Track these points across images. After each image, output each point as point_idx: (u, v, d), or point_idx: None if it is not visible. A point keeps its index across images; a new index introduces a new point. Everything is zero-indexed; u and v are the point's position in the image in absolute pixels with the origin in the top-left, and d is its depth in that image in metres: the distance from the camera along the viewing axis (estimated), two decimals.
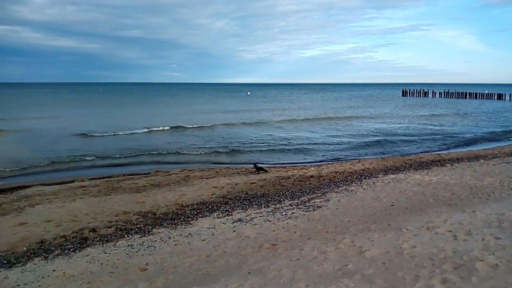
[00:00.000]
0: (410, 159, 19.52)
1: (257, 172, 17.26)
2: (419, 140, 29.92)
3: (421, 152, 24.01)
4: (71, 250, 8.70)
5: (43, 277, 7.21)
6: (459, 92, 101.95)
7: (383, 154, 23.82)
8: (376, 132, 34.10)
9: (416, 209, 10.13)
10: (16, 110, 55.39)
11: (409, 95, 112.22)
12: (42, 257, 8.34)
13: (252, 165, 18.29)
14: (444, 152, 23.12)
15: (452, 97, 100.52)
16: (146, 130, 33.28)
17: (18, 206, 12.21)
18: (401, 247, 6.95)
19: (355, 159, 21.06)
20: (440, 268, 5.83)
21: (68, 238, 9.42)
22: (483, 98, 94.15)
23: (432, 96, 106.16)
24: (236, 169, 18.64)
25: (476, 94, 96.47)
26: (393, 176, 15.16)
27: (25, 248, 8.81)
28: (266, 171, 17.49)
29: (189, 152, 24.40)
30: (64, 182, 16.19)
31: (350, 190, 13.02)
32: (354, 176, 15.44)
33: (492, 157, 19.21)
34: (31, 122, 38.72)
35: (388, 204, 10.88)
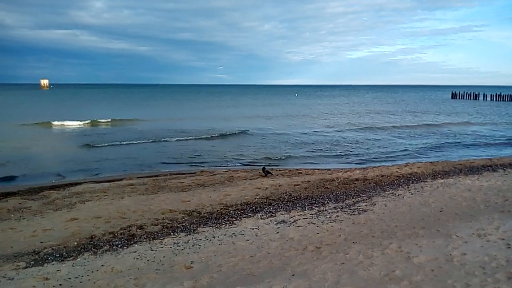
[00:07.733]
0: (460, 164, 18.86)
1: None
2: None
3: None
4: (119, 246, 8.93)
5: (92, 272, 7.42)
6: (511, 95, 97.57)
7: None
8: None
9: (467, 215, 9.78)
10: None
11: (459, 98, 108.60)
12: (92, 252, 8.61)
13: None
14: (496, 157, 22.20)
15: (505, 100, 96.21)
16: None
17: (70, 202, 12.69)
18: (450, 254, 6.73)
19: (403, 163, 20.54)
20: (492, 277, 5.60)
21: (116, 234, 9.69)
22: None
23: (483, 99, 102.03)
24: (279, 170, 18.63)
25: None
26: (442, 180, 14.70)
27: (75, 243, 9.14)
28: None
29: None
30: (113, 180, 16.69)
31: (397, 194, 12.72)
32: (401, 180, 15.07)
33: None
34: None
35: (437, 209, 10.56)
